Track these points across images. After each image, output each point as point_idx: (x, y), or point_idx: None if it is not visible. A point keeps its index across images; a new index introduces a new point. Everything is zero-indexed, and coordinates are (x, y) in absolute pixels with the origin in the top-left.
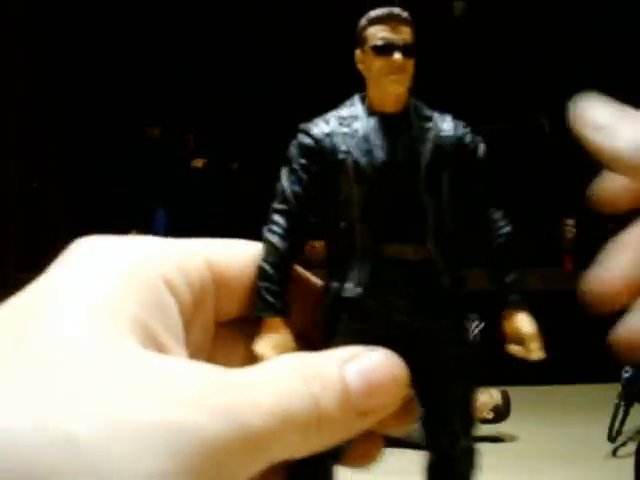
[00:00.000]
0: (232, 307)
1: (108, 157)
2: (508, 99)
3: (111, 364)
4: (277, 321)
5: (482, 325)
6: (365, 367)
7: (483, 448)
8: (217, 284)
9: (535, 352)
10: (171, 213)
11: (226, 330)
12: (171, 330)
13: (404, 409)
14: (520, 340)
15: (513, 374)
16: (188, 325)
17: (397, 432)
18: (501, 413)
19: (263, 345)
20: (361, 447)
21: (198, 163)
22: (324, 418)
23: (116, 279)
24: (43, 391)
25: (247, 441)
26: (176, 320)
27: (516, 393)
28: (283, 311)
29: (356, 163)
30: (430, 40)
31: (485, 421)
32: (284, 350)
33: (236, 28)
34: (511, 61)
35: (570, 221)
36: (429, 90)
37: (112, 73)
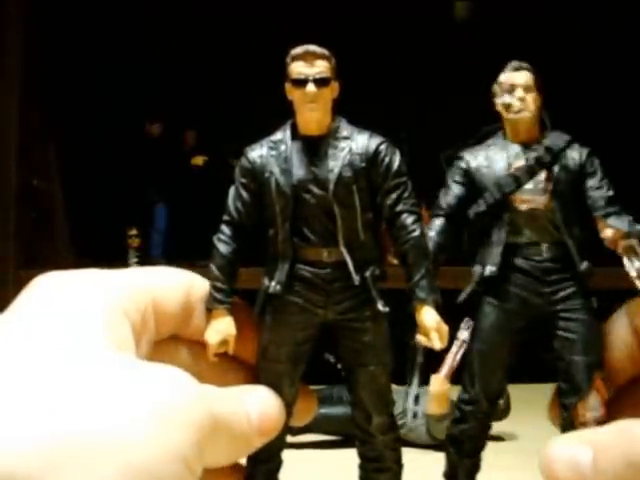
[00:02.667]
0: (165, 327)
1: (108, 154)
2: None
3: (115, 369)
4: (220, 311)
5: None
6: (260, 406)
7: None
8: (155, 309)
9: (434, 341)
10: (172, 210)
11: (159, 346)
12: (128, 345)
13: (304, 404)
14: (424, 331)
15: (513, 372)
16: (137, 341)
17: (302, 421)
18: (501, 411)
19: (209, 331)
20: (301, 407)
21: (199, 160)
22: (240, 433)
23: (93, 309)
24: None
25: (216, 429)
26: (130, 337)
27: (516, 391)
28: (225, 303)
29: (276, 181)
30: (430, 42)
31: None
32: (225, 334)
33: (240, 24)
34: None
35: None
36: (432, 91)
37: (112, 69)
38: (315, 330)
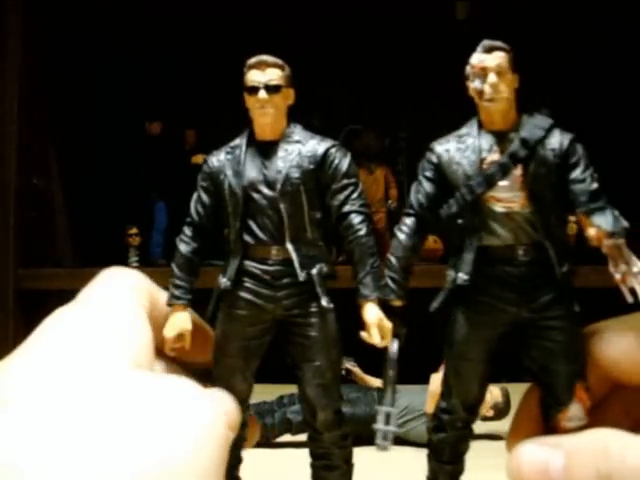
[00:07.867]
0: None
1: (108, 153)
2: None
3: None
4: (178, 306)
5: None
6: (226, 407)
7: (483, 446)
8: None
9: (374, 337)
10: (172, 209)
11: None
12: (148, 363)
13: (250, 431)
14: (367, 327)
15: (513, 371)
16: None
17: (250, 446)
18: (501, 411)
19: (167, 327)
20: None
21: (198, 159)
22: (218, 430)
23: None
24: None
25: (228, 437)
26: (151, 356)
27: (516, 390)
28: (182, 299)
29: (229, 182)
30: (431, 43)
31: (485, 419)
32: (182, 329)
33: (240, 23)
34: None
35: (572, 217)
36: (431, 91)
37: (112, 69)
38: (266, 326)
